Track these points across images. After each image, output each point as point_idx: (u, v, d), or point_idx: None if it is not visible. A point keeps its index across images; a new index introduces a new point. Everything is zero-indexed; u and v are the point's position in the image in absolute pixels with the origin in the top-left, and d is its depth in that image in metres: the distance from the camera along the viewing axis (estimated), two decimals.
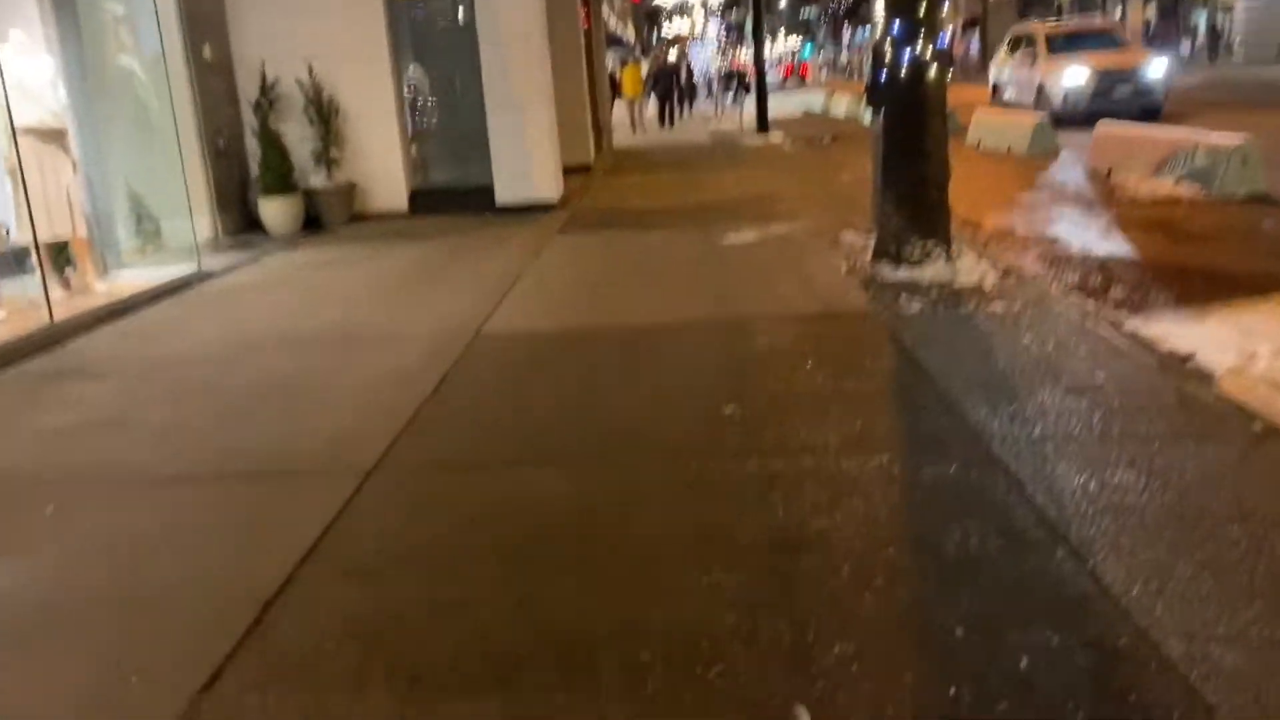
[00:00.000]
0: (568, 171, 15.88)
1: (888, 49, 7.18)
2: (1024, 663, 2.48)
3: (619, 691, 2.48)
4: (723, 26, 67.09)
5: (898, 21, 7.07)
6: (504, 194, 11.76)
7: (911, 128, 7.14)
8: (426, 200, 12.01)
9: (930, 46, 7.05)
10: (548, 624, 2.79)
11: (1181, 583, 2.81)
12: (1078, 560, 2.97)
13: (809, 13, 75.47)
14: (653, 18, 59.54)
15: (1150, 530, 3.14)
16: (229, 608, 2.99)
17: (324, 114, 11.42)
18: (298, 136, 11.41)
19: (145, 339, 6.66)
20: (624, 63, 30.16)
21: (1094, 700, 2.33)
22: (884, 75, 7.26)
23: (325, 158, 11.48)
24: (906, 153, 7.15)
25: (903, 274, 7.05)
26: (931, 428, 4.14)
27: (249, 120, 11.42)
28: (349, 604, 2.97)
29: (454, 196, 12.10)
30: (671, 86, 29.85)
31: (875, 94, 7.98)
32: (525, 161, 11.66)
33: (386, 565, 3.21)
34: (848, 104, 28.97)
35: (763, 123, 21.74)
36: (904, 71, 7.09)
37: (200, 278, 8.62)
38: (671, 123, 29.04)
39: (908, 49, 7.05)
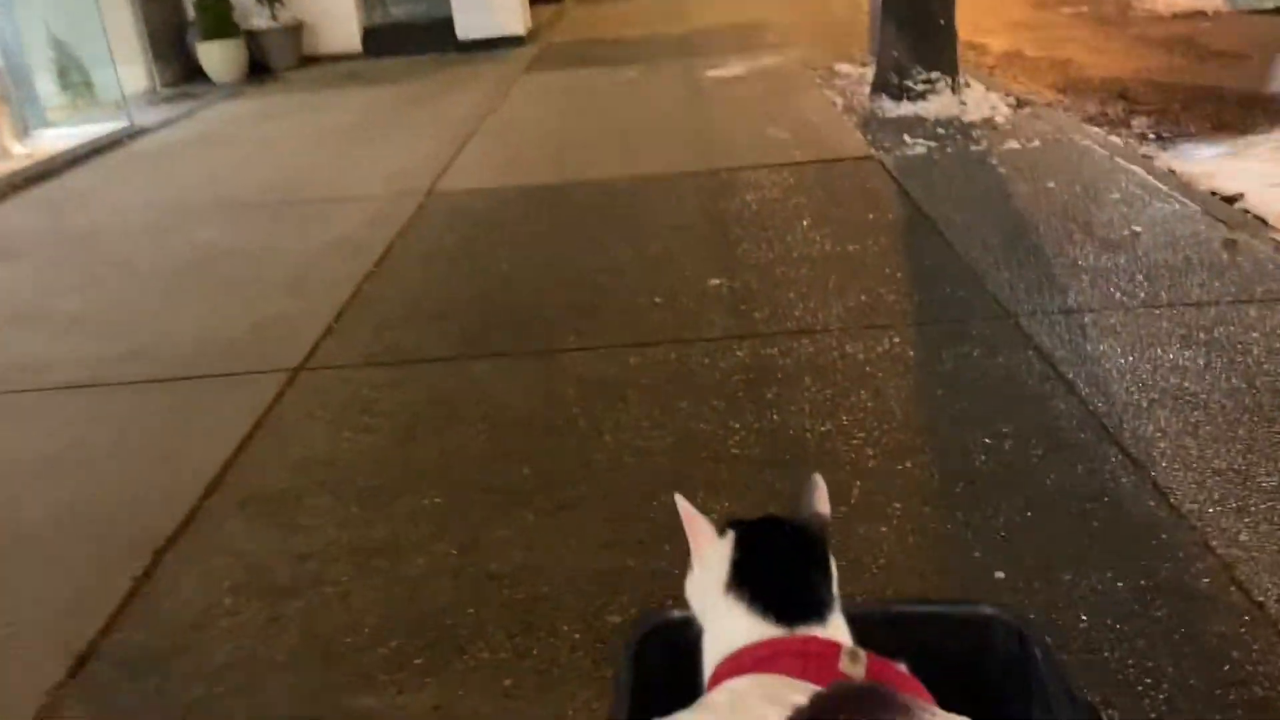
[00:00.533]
0: (538, 0, 14.73)
1: None
2: (1083, 617, 2.00)
3: (582, 672, 1.99)
4: None
5: None
6: (465, 29, 10.77)
7: None
8: (382, 39, 11.01)
9: None
10: (496, 579, 2.28)
11: (1268, 497, 2.31)
12: (1136, 470, 2.45)
13: None
14: None
15: (1219, 425, 2.61)
16: (114, 557, 2.48)
17: None
18: None
19: (63, 209, 5.96)
20: None
21: (1177, 668, 1.85)
22: None
23: None
24: None
25: (905, 109, 6.33)
26: (948, 299, 3.57)
27: None
28: (256, 552, 2.46)
29: (412, 33, 11.09)
30: None
31: None
32: None
33: (304, 498, 2.68)
34: None
35: None
36: None
37: (131, 135, 7.82)
38: None
39: None
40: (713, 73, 8.10)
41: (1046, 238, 4.01)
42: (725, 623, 0.98)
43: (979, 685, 1.08)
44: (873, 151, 5.49)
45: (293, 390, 3.29)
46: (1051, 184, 4.64)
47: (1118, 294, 3.45)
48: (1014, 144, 5.37)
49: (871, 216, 4.46)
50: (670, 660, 1.09)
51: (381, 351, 3.54)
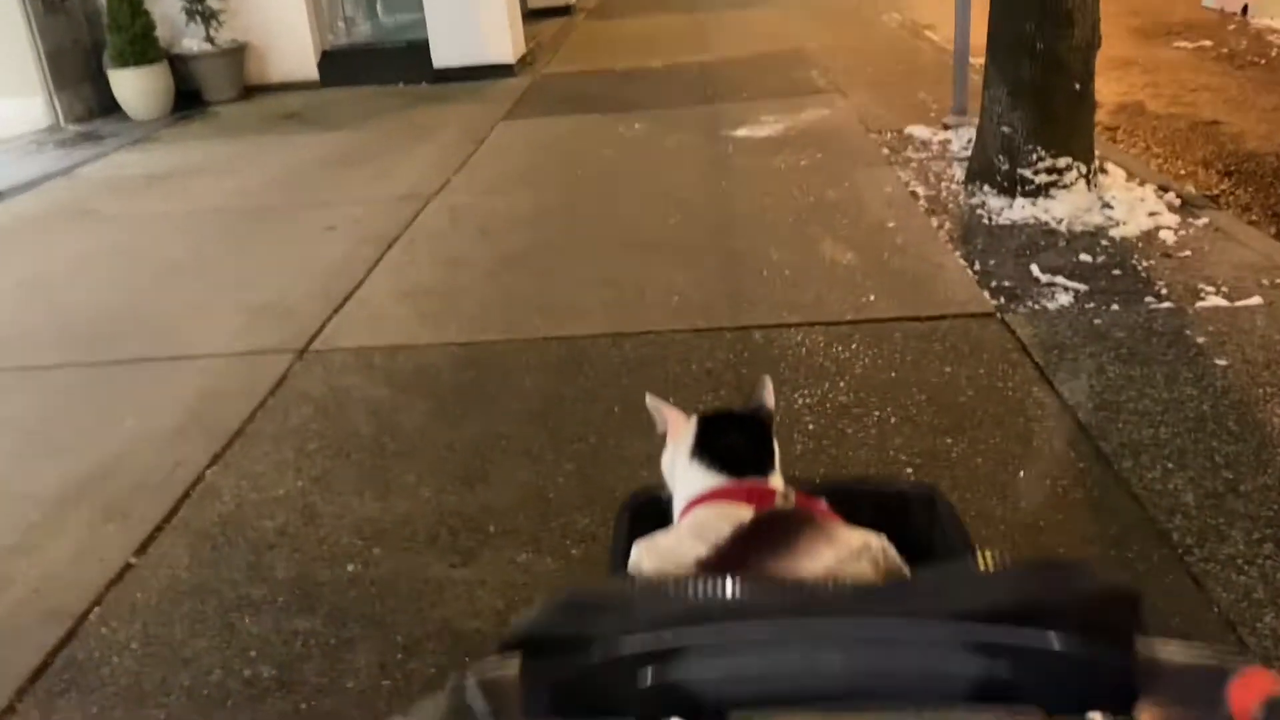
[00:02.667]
0: (544, 14, 12.90)
1: None
2: None
3: None
4: None
5: None
6: (442, 54, 8.87)
7: None
8: (343, 64, 9.13)
9: None
10: None
11: None
12: None
13: None
14: None
15: None
16: None
17: None
18: None
19: None
20: None
21: None
22: None
23: (201, 9, 8.56)
24: (1031, 11, 4.34)
25: (1021, 211, 4.37)
26: None
27: None
28: None
29: (379, 59, 9.22)
30: None
31: None
32: (469, 9, 8.71)
33: None
34: None
35: None
36: None
37: None
38: None
39: None
40: (742, 131, 6.15)
41: None
42: (690, 479, 1.16)
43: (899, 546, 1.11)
44: (989, 298, 3.54)
45: None
46: None
47: None
48: (1215, 298, 3.40)
49: (1035, 474, 2.49)
50: (658, 527, 1.17)
51: None
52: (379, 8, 10.15)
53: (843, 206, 4.62)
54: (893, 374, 3.05)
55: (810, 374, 3.08)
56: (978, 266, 3.84)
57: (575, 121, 6.93)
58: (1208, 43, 8.34)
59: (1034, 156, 4.43)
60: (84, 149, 7.31)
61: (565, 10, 13.22)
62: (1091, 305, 3.44)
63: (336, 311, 3.87)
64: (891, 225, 4.33)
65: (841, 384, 3.01)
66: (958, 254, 3.99)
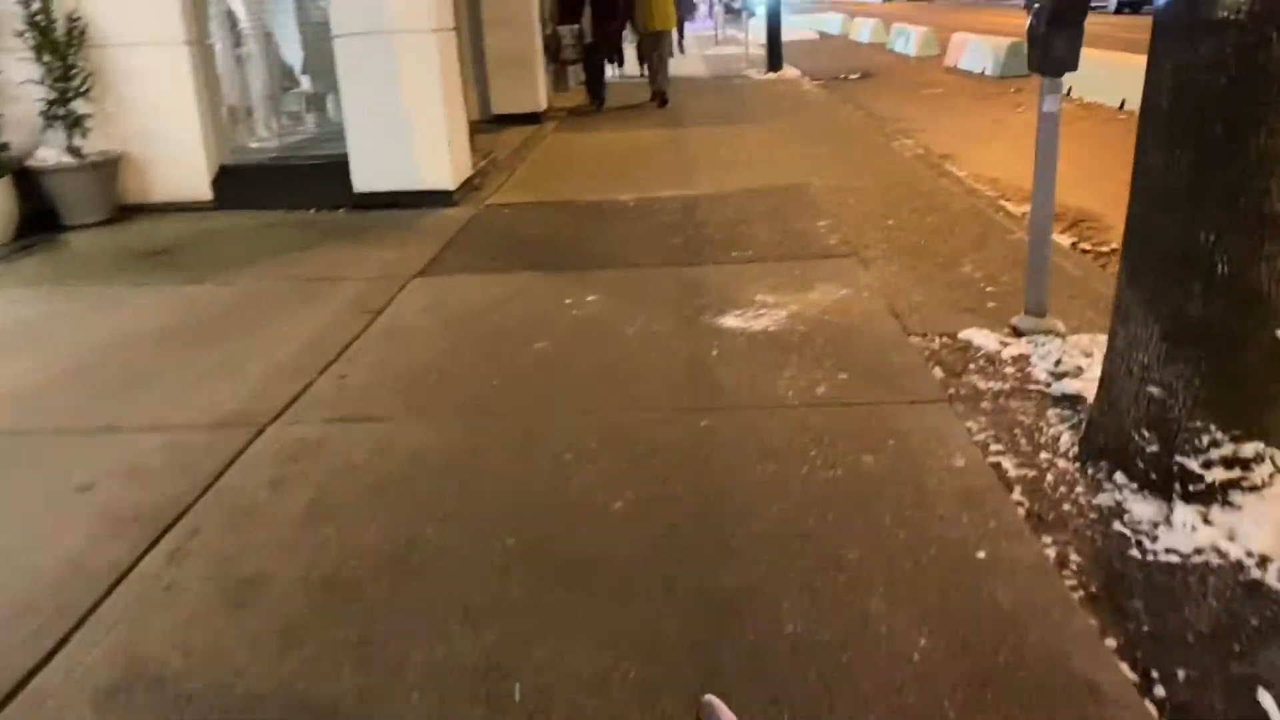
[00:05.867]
0: (510, 120, 11.51)
1: None
2: None
3: None
4: None
5: None
6: (365, 176, 7.25)
7: (1229, 143, 2.63)
8: (244, 183, 7.46)
9: None
10: None
11: None
12: None
13: None
14: None
15: None
16: None
17: (56, 42, 6.81)
18: (22, 76, 6.84)
19: None
20: None
21: None
22: None
23: (64, 114, 6.91)
24: (1209, 210, 2.67)
25: (1188, 533, 2.66)
26: None
27: None
28: None
29: (289, 177, 7.58)
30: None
31: (1048, 37, 3.68)
32: (399, 124, 7.10)
33: None
34: (872, 29, 25.07)
35: (774, 58, 16.91)
36: None
37: None
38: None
39: None
40: (731, 319, 4.46)
41: None
42: None
43: None
44: None
45: None
46: None
47: None
48: None
49: None
50: None
51: None
52: (292, 117, 8.56)
53: (891, 495, 2.89)
54: None
55: None
56: (1159, 690, 2.08)
57: (511, 284, 5.22)
58: None
59: (1204, 439, 2.73)
60: None
61: (534, 118, 11.77)
62: None
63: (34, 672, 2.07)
64: (981, 556, 2.58)
65: None
66: (1110, 642, 2.23)
